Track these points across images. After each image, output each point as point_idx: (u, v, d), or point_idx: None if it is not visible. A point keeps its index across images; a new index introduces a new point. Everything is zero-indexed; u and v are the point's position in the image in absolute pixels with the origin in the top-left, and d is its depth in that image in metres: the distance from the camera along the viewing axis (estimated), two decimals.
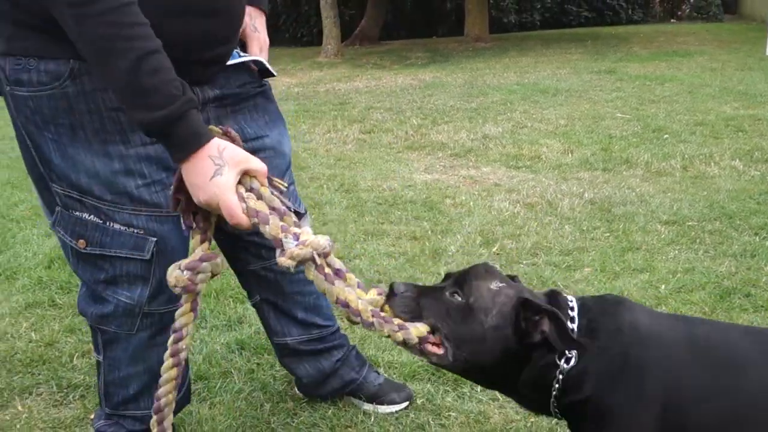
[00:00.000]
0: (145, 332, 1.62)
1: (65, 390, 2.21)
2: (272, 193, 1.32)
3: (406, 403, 2.05)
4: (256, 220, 1.26)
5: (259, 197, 1.30)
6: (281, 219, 1.28)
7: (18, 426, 2.03)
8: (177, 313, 1.39)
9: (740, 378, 1.25)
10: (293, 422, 2.02)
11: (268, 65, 1.70)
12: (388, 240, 3.36)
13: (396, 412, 2.03)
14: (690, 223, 3.41)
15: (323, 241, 1.26)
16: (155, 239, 1.52)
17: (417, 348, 1.26)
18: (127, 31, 1.22)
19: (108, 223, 1.49)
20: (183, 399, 1.82)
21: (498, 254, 3.13)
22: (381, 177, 4.54)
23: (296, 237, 1.26)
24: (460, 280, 1.28)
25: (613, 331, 1.28)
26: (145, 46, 1.23)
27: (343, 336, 2.10)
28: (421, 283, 1.37)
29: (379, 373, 2.13)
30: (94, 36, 1.22)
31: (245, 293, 2.73)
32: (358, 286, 1.31)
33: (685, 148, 4.89)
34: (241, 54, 1.64)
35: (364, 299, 1.28)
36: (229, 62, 1.59)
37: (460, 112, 6.90)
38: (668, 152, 4.83)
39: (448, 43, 15.50)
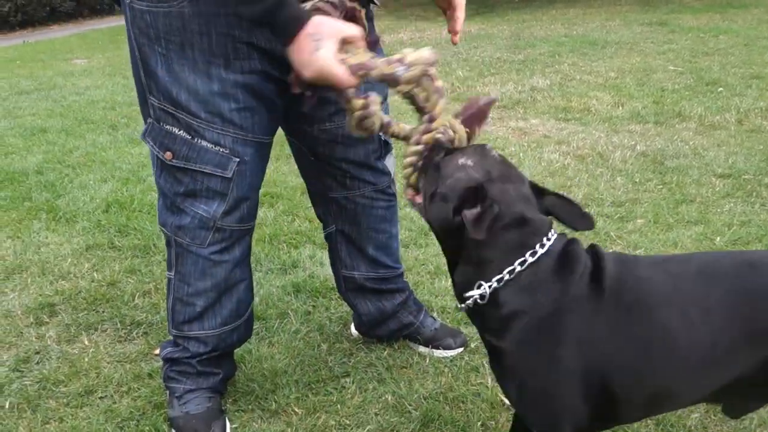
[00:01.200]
0: (214, 246, 1.69)
1: (128, 327, 2.29)
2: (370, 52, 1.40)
3: (461, 349, 2.09)
4: (362, 72, 1.35)
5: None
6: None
7: (86, 359, 2.12)
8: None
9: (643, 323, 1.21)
10: (350, 362, 2.07)
11: None
12: None
13: (451, 356, 2.07)
14: (746, 177, 3.34)
15: (426, 53, 1.34)
16: (238, 159, 1.60)
17: (409, 196, 1.40)
18: None
19: (196, 140, 1.57)
20: (245, 333, 1.89)
21: None
22: None
23: (402, 62, 1.34)
24: (457, 149, 1.34)
25: (560, 270, 1.23)
26: None
27: (406, 282, 2.14)
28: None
29: (435, 319, 2.16)
30: None
31: (297, 239, 2.80)
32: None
33: (741, 102, 4.75)
34: None
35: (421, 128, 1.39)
36: None
37: (506, 64, 6.78)
38: (722, 106, 4.69)
39: None
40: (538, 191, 1.31)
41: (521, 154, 3.85)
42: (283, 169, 3.73)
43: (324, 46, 1.33)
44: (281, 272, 2.61)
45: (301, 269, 2.61)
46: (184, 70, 1.51)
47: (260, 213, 2.88)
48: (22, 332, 2.27)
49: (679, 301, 1.21)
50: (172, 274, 1.77)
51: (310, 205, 2.12)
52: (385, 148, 1.87)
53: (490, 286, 1.23)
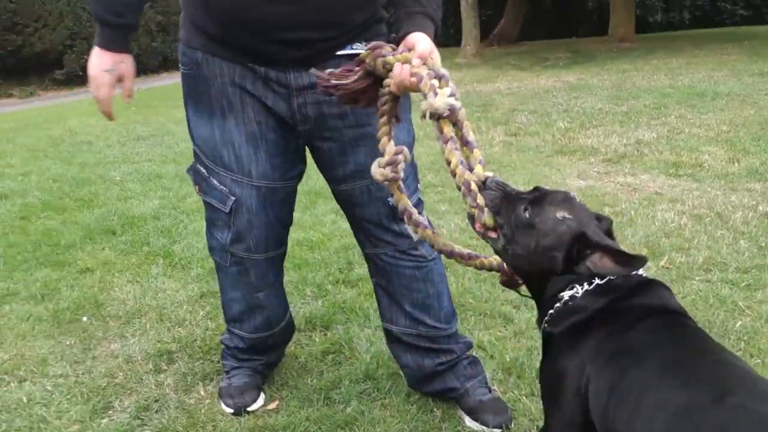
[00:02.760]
0: (233, 268, 2.01)
1: None
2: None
3: (498, 430, 1.99)
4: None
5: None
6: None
7: (202, 410, 2.15)
8: (394, 199, 1.69)
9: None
10: (465, 430, 2.01)
11: None
12: None
13: None
14: None
15: (440, 102, 1.42)
16: (234, 198, 1.86)
17: (480, 230, 1.44)
18: None
19: (210, 177, 1.88)
20: (282, 336, 2.23)
21: (667, 268, 2.98)
22: (533, 182, 4.45)
23: (435, 93, 1.44)
24: (537, 200, 1.41)
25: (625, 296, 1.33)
26: None
27: (460, 344, 2.08)
28: (511, 185, 1.46)
29: (490, 390, 2.08)
30: None
31: None
32: (480, 162, 1.48)
33: None
34: (355, 47, 1.74)
35: (465, 169, 1.44)
36: (340, 52, 1.74)
37: (609, 116, 6.65)
38: None
39: (589, 43, 15.03)
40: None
41: (632, 212, 3.72)
42: None
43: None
44: None
45: None
46: (198, 120, 1.84)
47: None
48: (141, 379, 2.34)
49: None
50: (217, 281, 2.14)
51: None
52: (397, 212, 1.86)
53: (579, 290, 1.36)
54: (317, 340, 2.54)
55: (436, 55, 1.56)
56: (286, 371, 2.34)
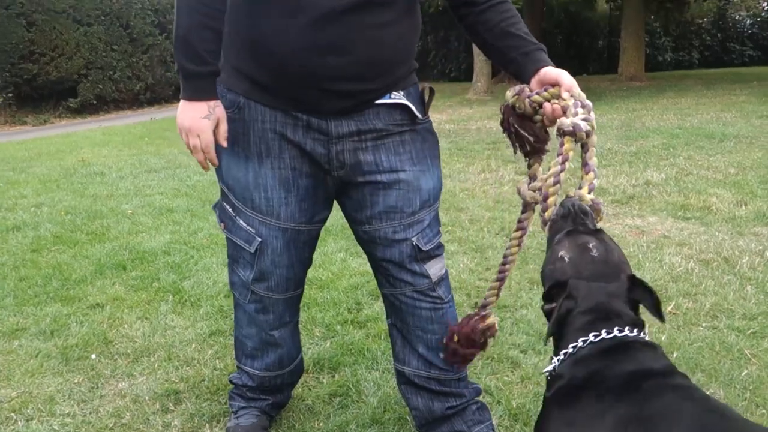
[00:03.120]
0: (252, 305, 2.03)
1: None
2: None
3: None
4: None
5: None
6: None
7: None
8: (523, 215, 1.75)
9: None
10: None
11: (414, 109, 1.84)
12: None
13: None
14: None
15: (567, 120, 1.53)
16: (260, 239, 1.90)
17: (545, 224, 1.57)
18: None
19: (237, 217, 1.91)
20: (290, 378, 2.24)
21: (674, 314, 2.98)
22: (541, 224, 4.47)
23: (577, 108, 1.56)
24: (571, 232, 1.48)
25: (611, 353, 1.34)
26: None
27: (470, 389, 2.10)
28: (591, 217, 1.53)
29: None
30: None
31: None
32: (590, 185, 1.58)
33: None
34: (394, 96, 1.80)
35: (556, 181, 1.57)
36: (379, 101, 1.79)
37: (618, 156, 6.69)
38: None
39: (600, 81, 15.16)
40: (634, 283, 1.43)
41: (640, 256, 3.73)
42: None
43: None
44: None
45: None
46: (231, 161, 1.85)
47: (378, 311, 2.95)
48: (148, 419, 2.35)
49: None
50: (234, 317, 2.16)
51: None
52: (421, 253, 1.92)
53: (561, 357, 1.39)
54: (324, 382, 2.54)
55: (576, 86, 1.66)
56: (293, 413, 2.34)
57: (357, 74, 1.73)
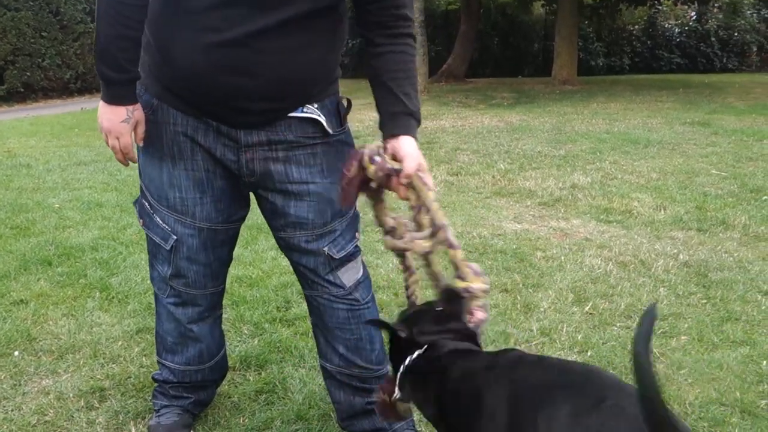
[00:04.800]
0: (171, 299, 2.09)
1: None
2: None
3: None
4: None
5: None
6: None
7: None
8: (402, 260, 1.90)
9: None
10: None
11: (325, 124, 1.88)
12: None
13: None
14: None
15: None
16: (175, 237, 1.96)
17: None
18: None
19: (154, 214, 1.96)
20: (211, 374, 2.27)
21: (591, 314, 3.13)
22: (470, 223, 4.60)
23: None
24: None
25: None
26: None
27: None
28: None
29: (416, 431, 2.17)
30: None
31: None
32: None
33: None
34: (305, 110, 1.85)
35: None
36: (291, 114, 1.84)
37: (548, 159, 6.90)
38: (767, 216, 4.70)
39: (534, 83, 15.50)
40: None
41: (562, 257, 3.88)
42: None
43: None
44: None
45: None
46: (147, 160, 1.92)
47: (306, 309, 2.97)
48: (72, 416, 2.33)
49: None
50: (155, 312, 2.20)
51: None
52: (334, 262, 1.99)
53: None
54: (251, 379, 2.58)
55: (423, 165, 1.76)
56: (218, 410, 2.37)
57: (265, 95, 1.77)
